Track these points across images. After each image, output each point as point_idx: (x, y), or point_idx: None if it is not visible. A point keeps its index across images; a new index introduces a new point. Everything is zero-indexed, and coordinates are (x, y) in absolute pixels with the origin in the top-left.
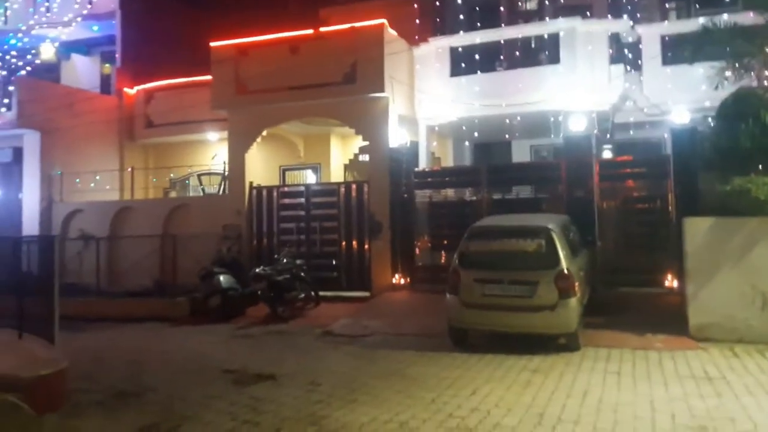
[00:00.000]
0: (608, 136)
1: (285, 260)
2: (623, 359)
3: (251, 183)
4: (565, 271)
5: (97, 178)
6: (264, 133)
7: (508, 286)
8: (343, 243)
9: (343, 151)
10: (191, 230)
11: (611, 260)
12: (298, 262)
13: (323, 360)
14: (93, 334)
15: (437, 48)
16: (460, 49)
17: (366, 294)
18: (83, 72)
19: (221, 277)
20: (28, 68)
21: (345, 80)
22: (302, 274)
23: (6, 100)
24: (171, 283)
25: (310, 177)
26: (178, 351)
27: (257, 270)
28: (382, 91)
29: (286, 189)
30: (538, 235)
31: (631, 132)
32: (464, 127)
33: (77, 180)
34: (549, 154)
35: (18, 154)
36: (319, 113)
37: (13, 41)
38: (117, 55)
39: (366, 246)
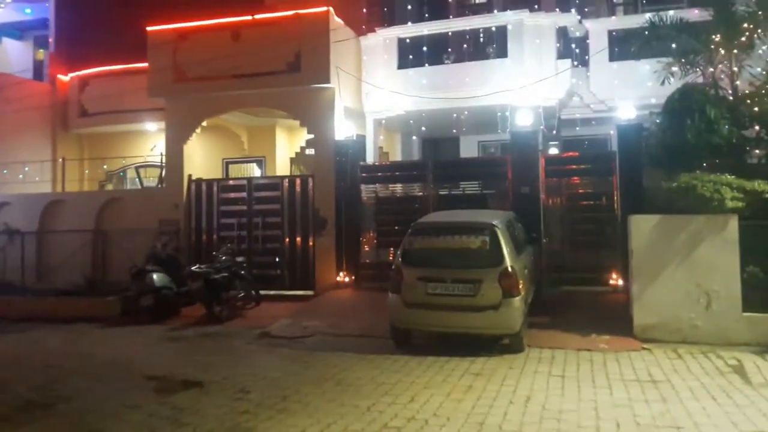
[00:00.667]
0: (555, 132)
1: (224, 257)
2: (567, 361)
3: (190, 176)
4: (509, 269)
5: (26, 169)
6: (204, 123)
7: (451, 284)
8: (287, 239)
9: (289, 144)
10: (126, 225)
11: (557, 258)
12: (239, 259)
13: (257, 364)
14: (13, 335)
15: (385, 38)
16: (407, 41)
17: (309, 293)
18: (15, 57)
19: (154, 276)
20: None
21: (289, 69)
22: (242, 272)
23: None
24: (103, 281)
25: (255, 171)
26: (101, 355)
27: (193, 268)
28: (328, 81)
29: (227, 182)
30: (482, 232)
31: (578, 128)
32: (412, 121)
33: (5, 171)
34: (497, 150)
35: None
36: (261, 103)
37: None
38: (50, 40)
39: (310, 243)
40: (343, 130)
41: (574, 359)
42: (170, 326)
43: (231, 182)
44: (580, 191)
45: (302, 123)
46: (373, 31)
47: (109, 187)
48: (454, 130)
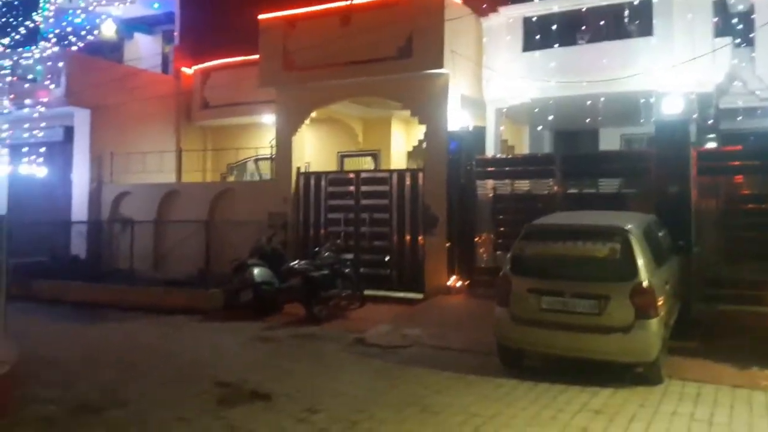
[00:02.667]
0: (711, 122)
1: (327, 254)
2: (718, 401)
3: (299, 168)
4: (645, 285)
5: (148, 160)
6: (314, 114)
7: (570, 299)
8: (395, 237)
9: (406, 138)
10: (237, 216)
11: (710, 270)
12: (347, 256)
13: (339, 377)
14: (112, 325)
15: (508, 18)
16: (534, 19)
17: (418, 296)
18: (146, 51)
19: (255, 270)
20: (80, 44)
21: (399, 55)
22: (346, 270)
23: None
24: (214, 272)
25: (370, 165)
26: (183, 354)
27: (291, 264)
28: (441, 66)
29: (335, 176)
30: (611, 237)
31: (740, 119)
32: (537, 110)
33: (131, 161)
34: (642, 146)
35: (69, 133)
36: (371, 92)
37: (77, 20)
38: (175, 33)
39: (420, 241)
40: (457, 120)
41: (727, 399)
42: (267, 324)
43: (339, 175)
44: (743, 192)
45: (413, 113)
46: (495, 10)
47: (231, 179)
48: (589, 121)
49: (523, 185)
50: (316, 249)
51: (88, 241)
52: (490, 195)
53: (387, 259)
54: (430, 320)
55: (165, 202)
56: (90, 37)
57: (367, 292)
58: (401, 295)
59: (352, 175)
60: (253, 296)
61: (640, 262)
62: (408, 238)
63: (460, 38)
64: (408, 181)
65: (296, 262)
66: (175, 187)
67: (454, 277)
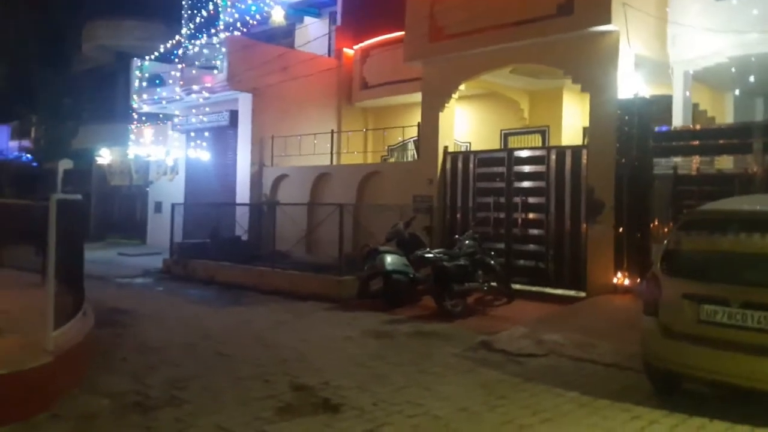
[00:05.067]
0: None
1: (468, 242)
2: None
3: (446, 148)
4: None
5: (315, 141)
6: (462, 87)
7: (740, 310)
8: (553, 225)
9: (581, 112)
10: (384, 199)
11: None
12: (496, 247)
13: (436, 388)
14: (237, 310)
15: None
16: None
17: (579, 294)
18: (315, 34)
19: (387, 257)
20: (243, 29)
21: (559, 12)
22: (490, 261)
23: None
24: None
25: (537, 144)
26: (284, 345)
27: (423, 252)
28: (609, 22)
29: (484, 155)
30: None
31: None
32: (738, 71)
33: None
34: None
35: (234, 117)
36: (525, 58)
37: (252, 7)
38: (337, 14)
39: (583, 230)
40: (631, 86)
41: None
42: (392, 317)
43: (488, 155)
44: None
45: (575, 79)
46: None
47: (391, 160)
48: None
49: (713, 163)
50: (456, 236)
51: (250, 223)
52: (670, 176)
53: (541, 249)
54: (579, 324)
55: (318, 185)
56: (252, 22)
57: (519, 287)
58: (560, 292)
59: (503, 154)
60: (384, 286)
61: None
62: (568, 226)
63: None
64: (569, 160)
65: (427, 250)
66: (327, 169)
67: (621, 274)
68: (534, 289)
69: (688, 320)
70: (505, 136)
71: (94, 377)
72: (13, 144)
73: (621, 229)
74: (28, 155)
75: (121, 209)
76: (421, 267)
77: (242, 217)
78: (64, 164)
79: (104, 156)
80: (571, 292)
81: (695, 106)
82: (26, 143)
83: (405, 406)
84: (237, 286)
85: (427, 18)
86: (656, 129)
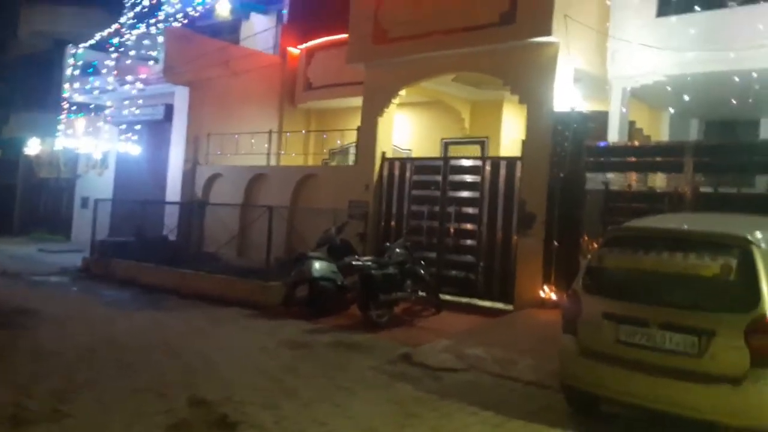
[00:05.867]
0: None
1: (398, 250)
2: None
3: (383, 154)
4: None
5: (253, 141)
6: (403, 93)
7: (659, 331)
8: (485, 235)
9: (520, 124)
10: (319, 204)
11: None
12: (428, 257)
13: (345, 404)
14: (153, 315)
15: None
16: None
17: (507, 307)
18: (261, 31)
19: (315, 264)
20: (179, 22)
21: (502, 21)
22: (420, 270)
23: None
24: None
25: (476, 154)
26: (194, 355)
27: (348, 259)
28: (549, 33)
29: (420, 162)
30: (726, 250)
31: None
32: (676, 90)
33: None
34: None
35: (169, 111)
36: (466, 66)
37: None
38: (284, 11)
39: (514, 243)
40: (569, 100)
41: None
42: (314, 326)
43: (424, 162)
44: None
45: (513, 90)
46: None
47: (333, 164)
48: (746, 104)
49: (644, 180)
50: (387, 244)
51: (179, 223)
52: (601, 192)
53: (472, 260)
54: (502, 339)
55: (252, 186)
56: (194, 14)
57: (449, 298)
58: (488, 304)
59: (439, 163)
60: (310, 293)
61: (766, 287)
62: (500, 237)
63: (578, 2)
64: (503, 172)
65: (355, 257)
66: (262, 170)
67: (549, 288)
68: (464, 300)
69: (607, 340)
70: (446, 145)
71: None
72: None
73: (551, 243)
74: None
75: (47, 203)
76: (350, 275)
77: (171, 216)
78: None
79: (32, 147)
80: (500, 305)
81: (632, 123)
82: None
83: (308, 424)
84: (158, 288)
85: (371, 20)
86: (591, 144)
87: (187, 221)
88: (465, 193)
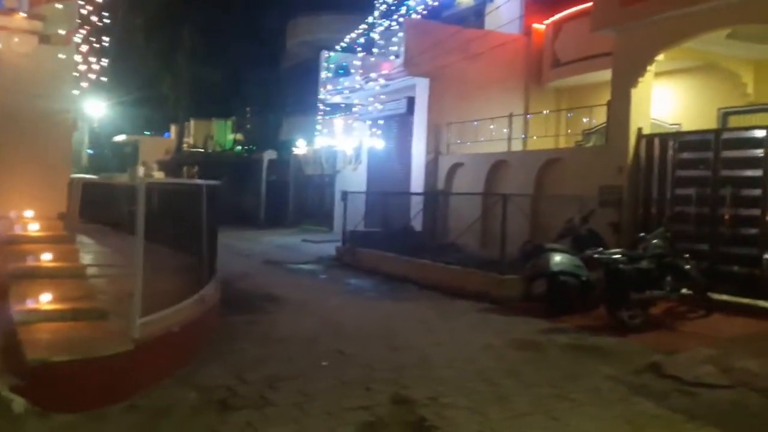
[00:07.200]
0: None
1: (655, 241)
2: None
3: (639, 130)
4: None
5: (492, 127)
6: (661, 57)
7: None
8: None
9: None
10: (566, 189)
11: None
12: (697, 249)
13: (566, 421)
14: (386, 303)
15: None
16: None
17: None
18: (506, 12)
19: (555, 257)
20: (419, 14)
21: None
22: (684, 265)
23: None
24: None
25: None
26: (412, 350)
27: (591, 252)
28: None
29: (685, 137)
30: None
31: None
32: None
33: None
34: None
35: (411, 104)
36: (735, 18)
37: None
38: None
39: None
40: None
41: None
42: (553, 325)
43: (690, 137)
44: None
45: None
46: None
47: (589, 145)
48: None
49: None
50: (642, 234)
51: (424, 213)
52: None
53: (754, 253)
54: None
55: (493, 174)
56: (435, 3)
57: (723, 298)
58: None
59: (710, 136)
60: (548, 288)
61: None
62: None
63: None
64: None
65: (600, 249)
66: (502, 156)
67: None
68: (744, 301)
69: None
70: (724, 115)
71: (196, 367)
72: (231, 137)
73: None
74: (241, 147)
75: (313, 197)
76: (592, 270)
77: (416, 206)
78: (269, 155)
79: (300, 147)
80: None
81: None
82: (240, 136)
83: None
84: (399, 278)
85: None
86: None
87: (431, 211)
88: (744, 172)
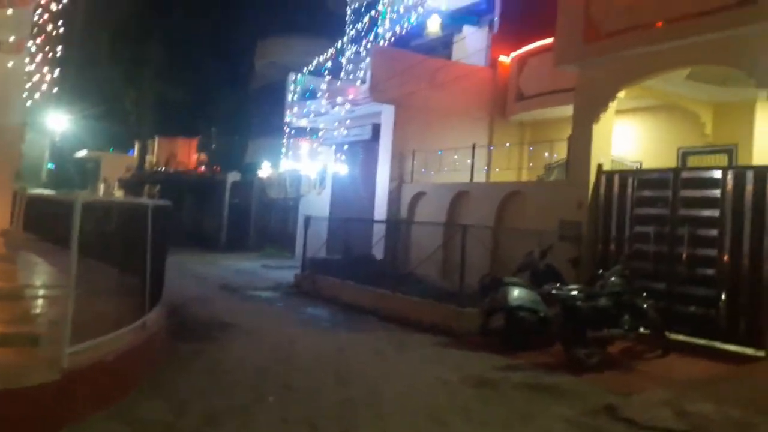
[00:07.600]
0: None
1: (613, 278)
2: None
3: (600, 166)
4: None
5: (456, 157)
6: (621, 95)
7: None
8: (727, 263)
9: None
10: (526, 223)
11: None
12: (654, 288)
13: None
14: (340, 335)
15: None
16: None
17: (758, 353)
18: (473, 44)
19: (514, 291)
20: (386, 42)
21: (739, 2)
22: (642, 304)
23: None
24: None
25: (723, 164)
26: (362, 385)
27: (547, 287)
28: None
29: (644, 175)
30: None
31: None
32: None
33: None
34: None
35: (377, 131)
36: (696, 58)
37: (409, 18)
38: (495, 19)
39: (765, 272)
40: None
41: None
42: (509, 362)
43: (649, 175)
44: None
45: (760, 82)
46: None
47: (551, 179)
48: None
49: None
50: (600, 272)
51: (386, 241)
52: None
53: (709, 293)
54: (743, 394)
55: (456, 204)
56: (402, 32)
57: (680, 339)
58: (733, 348)
59: (668, 175)
60: (506, 323)
61: None
62: (746, 265)
63: None
64: (750, 185)
65: (557, 285)
66: (465, 187)
67: None
68: (700, 342)
69: None
70: (683, 155)
71: (133, 400)
72: (195, 157)
73: None
74: (204, 167)
75: (276, 221)
76: (549, 305)
77: (378, 234)
78: (233, 176)
79: (264, 170)
80: (747, 350)
81: None
82: (203, 157)
83: None
84: (357, 308)
85: (581, 14)
86: None
87: (392, 240)
88: (702, 212)
